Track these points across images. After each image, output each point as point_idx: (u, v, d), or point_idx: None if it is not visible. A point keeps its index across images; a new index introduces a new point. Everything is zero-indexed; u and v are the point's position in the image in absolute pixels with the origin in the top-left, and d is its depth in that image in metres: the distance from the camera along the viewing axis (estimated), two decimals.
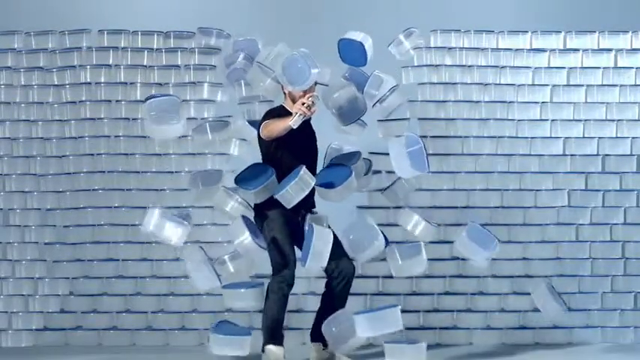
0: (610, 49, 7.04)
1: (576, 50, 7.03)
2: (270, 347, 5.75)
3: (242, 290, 5.81)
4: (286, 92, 5.89)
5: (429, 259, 6.00)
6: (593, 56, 7.03)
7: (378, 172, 6.66)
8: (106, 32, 6.98)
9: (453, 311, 6.73)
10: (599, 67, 7.01)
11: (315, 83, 5.79)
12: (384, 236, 5.86)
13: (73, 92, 6.94)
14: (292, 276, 5.76)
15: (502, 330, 6.69)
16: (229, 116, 6.73)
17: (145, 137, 6.80)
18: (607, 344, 6.65)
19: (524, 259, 6.81)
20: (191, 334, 6.63)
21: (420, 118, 6.89)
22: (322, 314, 5.92)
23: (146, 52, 6.98)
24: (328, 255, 5.54)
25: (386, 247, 5.85)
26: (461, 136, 6.90)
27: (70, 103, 6.94)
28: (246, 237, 5.65)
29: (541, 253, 6.82)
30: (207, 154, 6.81)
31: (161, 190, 6.87)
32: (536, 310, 6.68)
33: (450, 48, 6.97)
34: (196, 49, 6.95)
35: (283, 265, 5.75)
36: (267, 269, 5.91)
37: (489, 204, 6.86)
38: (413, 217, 6.10)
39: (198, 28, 6.99)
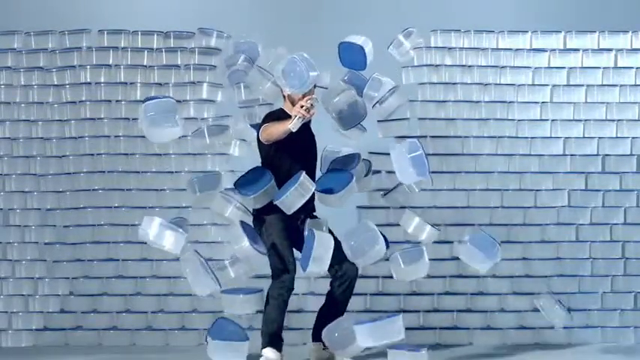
0: (610, 49, 7.04)
1: (576, 50, 7.03)
2: (268, 351, 5.75)
3: (240, 296, 5.80)
4: (286, 95, 5.89)
5: (429, 259, 5.99)
6: (593, 56, 7.03)
7: (378, 172, 6.66)
8: (106, 32, 6.98)
9: (453, 311, 6.73)
10: (599, 67, 7.01)
11: (315, 86, 5.79)
12: (385, 238, 5.86)
13: (73, 92, 6.94)
14: (292, 280, 5.76)
15: (502, 330, 6.69)
16: (229, 116, 6.74)
17: (145, 137, 6.78)
18: (607, 344, 6.64)
19: (524, 259, 6.81)
20: (191, 334, 6.64)
21: (420, 118, 6.90)
22: (324, 315, 5.94)
23: (146, 52, 6.98)
24: (329, 261, 5.55)
25: (387, 249, 5.85)
26: (461, 136, 6.90)
27: (70, 103, 6.94)
28: (244, 243, 5.65)
29: (541, 253, 6.82)
30: (207, 155, 6.82)
31: (161, 190, 6.87)
32: (536, 310, 6.68)
33: (450, 48, 6.97)
34: (196, 49, 6.95)
35: (283, 270, 5.76)
36: (268, 271, 5.91)
37: (489, 204, 6.86)
38: (417, 221, 6.08)
39: (199, 29, 6.99)
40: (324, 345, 5.90)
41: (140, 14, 7.91)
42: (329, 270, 5.68)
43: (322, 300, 6.12)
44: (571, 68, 7.01)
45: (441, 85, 6.93)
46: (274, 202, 5.65)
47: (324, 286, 6.19)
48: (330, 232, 5.89)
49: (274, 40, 6.15)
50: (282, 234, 5.78)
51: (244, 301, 5.79)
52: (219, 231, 6.70)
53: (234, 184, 5.85)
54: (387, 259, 6.04)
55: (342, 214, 6.09)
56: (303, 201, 5.63)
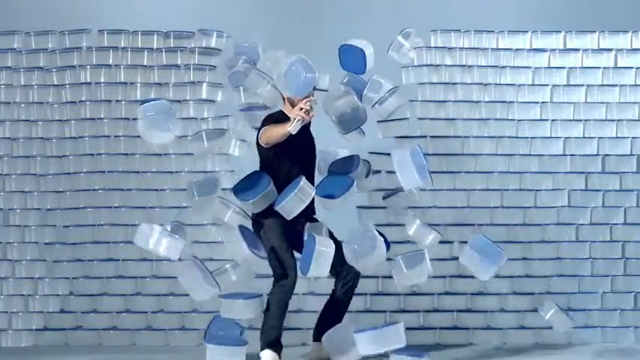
0: (610, 49, 7.04)
1: (576, 50, 7.03)
2: (267, 353, 5.75)
3: (240, 301, 5.80)
4: (285, 97, 5.88)
5: (429, 259, 5.99)
6: (593, 56, 7.03)
7: (378, 172, 6.67)
8: (106, 32, 6.98)
9: (453, 311, 6.73)
10: (599, 67, 7.01)
11: (314, 88, 5.79)
12: (385, 239, 5.86)
13: (73, 92, 6.94)
14: (293, 284, 5.75)
15: (502, 330, 6.69)
16: (228, 116, 6.74)
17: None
18: (607, 344, 6.64)
19: (524, 259, 6.81)
20: (191, 334, 6.64)
21: (419, 118, 6.89)
22: (326, 314, 5.96)
23: (146, 52, 6.98)
24: (330, 265, 5.55)
25: (387, 250, 5.85)
26: (461, 136, 6.90)
27: (70, 103, 6.94)
28: (244, 248, 5.65)
29: (541, 253, 6.82)
30: (207, 155, 6.80)
31: (161, 190, 6.87)
32: (536, 310, 6.68)
33: (450, 48, 6.97)
34: (196, 49, 6.95)
35: (283, 274, 5.75)
36: (269, 271, 5.91)
37: (489, 204, 6.86)
38: (421, 227, 6.07)
39: (199, 30, 6.99)
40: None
41: (140, 14, 7.91)
42: (331, 271, 5.68)
43: (322, 300, 6.12)
44: (571, 68, 7.01)
45: (441, 85, 6.93)
46: (274, 208, 5.65)
47: (324, 286, 6.20)
48: (331, 234, 5.89)
49: (274, 40, 6.16)
50: (281, 237, 5.78)
51: (243, 305, 5.78)
52: (219, 231, 6.70)
53: (233, 190, 5.85)
54: (390, 259, 6.04)
55: (341, 214, 6.08)
56: (303, 206, 5.63)
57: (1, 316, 6.74)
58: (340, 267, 5.76)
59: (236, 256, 5.79)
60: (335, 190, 5.78)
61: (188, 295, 6.56)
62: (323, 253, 5.49)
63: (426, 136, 6.87)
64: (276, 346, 5.77)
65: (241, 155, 6.62)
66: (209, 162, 6.82)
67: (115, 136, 6.91)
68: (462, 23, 7.11)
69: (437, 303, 6.75)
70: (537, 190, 6.88)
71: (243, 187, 5.81)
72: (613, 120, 6.96)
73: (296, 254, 5.86)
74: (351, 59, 6.08)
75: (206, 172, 6.80)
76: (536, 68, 6.99)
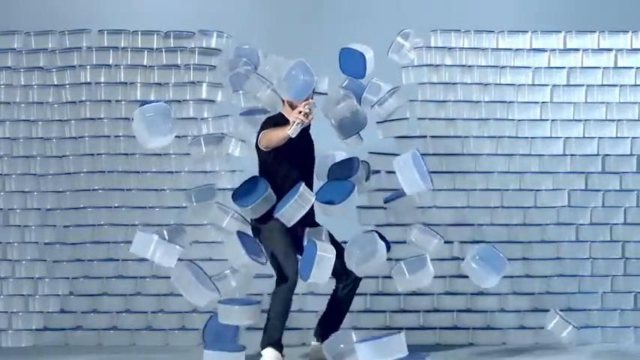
0: (610, 49, 7.03)
1: (576, 50, 7.03)
2: (269, 352, 5.75)
3: (236, 307, 5.80)
4: (285, 100, 5.88)
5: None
6: (593, 56, 7.02)
7: (377, 172, 6.67)
8: (106, 32, 6.97)
9: (453, 311, 6.73)
10: (599, 67, 7.01)
11: (313, 91, 5.78)
12: (386, 240, 5.87)
13: (73, 92, 6.93)
14: (294, 284, 5.73)
15: (502, 330, 6.69)
16: (228, 116, 6.74)
17: None
18: (607, 344, 6.64)
19: (524, 259, 6.81)
20: (191, 334, 6.63)
21: (419, 118, 6.89)
22: (327, 315, 5.98)
23: (146, 52, 6.97)
24: (330, 271, 5.55)
25: (388, 252, 5.85)
26: (461, 136, 6.90)
27: (70, 103, 6.94)
28: (242, 254, 5.65)
29: (541, 253, 6.82)
30: (205, 160, 6.78)
31: (161, 190, 6.87)
32: (536, 310, 6.70)
33: (450, 48, 6.97)
34: (196, 49, 6.95)
35: (284, 279, 5.74)
36: (270, 271, 5.92)
37: (489, 204, 6.86)
38: (425, 234, 6.07)
39: (199, 30, 6.99)
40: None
41: (140, 14, 7.91)
42: (332, 274, 5.67)
43: (322, 300, 6.12)
44: (571, 68, 7.01)
45: (441, 85, 6.93)
46: (274, 215, 5.65)
47: (324, 286, 6.18)
48: (332, 237, 5.88)
49: (274, 40, 6.18)
50: (281, 240, 5.76)
51: (241, 312, 5.78)
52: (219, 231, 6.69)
53: (232, 196, 5.85)
54: (390, 259, 6.03)
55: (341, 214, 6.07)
56: (304, 212, 5.62)
57: (1, 316, 6.74)
58: (341, 270, 5.75)
59: (234, 262, 5.78)
60: (335, 196, 5.77)
61: None
62: (324, 259, 5.49)
63: (426, 136, 6.87)
64: (277, 345, 5.77)
65: (241, 155, 6.62)
66: (209, 162, 6.80)
67: (115, 136, 6.90)
68: (462, 23, 7.10)
69: (437, 303, 6.75)
70: (537, 190, 6.88)
71: (241, 193, 5.81)
72: (613, 120, 6.96)
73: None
74: (351, 63, 6.08)
75: (206, 172, 6.80)
76: (536, 68, 6.99)
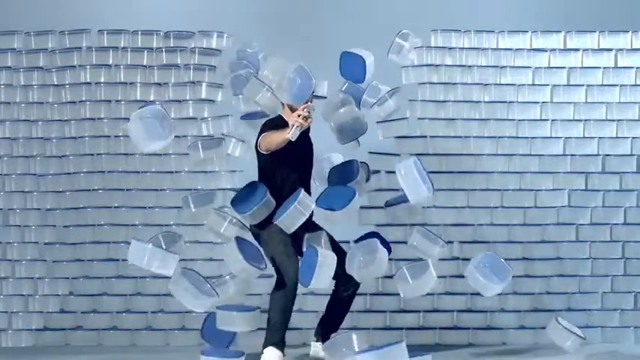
0: (610, 49, 7.03)
1: (576, 50, 7.03)
2: (270, 351, 5.75)
3: (234, 313, 5.80)
4: (284, 102, 5.88)
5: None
6: (593, 56, 7.02)
7: (377, 172, 6.66)
8: (105, 32, 6.98)
9: (453, 311, 6.73)
10: (599, 67, 7.01)
11: (312, 94, 5.77)
12: (386, 242, 5.88)
13: (73, 92, 6.94)
14: (295, 284, 5.72)
15: (502, 330, 6.69)
16: (228, 115, 6.74)
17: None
18: (607, 344, 6.64)
19: (524, 259, 6.81)
20: (191, 334, 6.63)
21: (419, 118, 6.89)
22: (328, 316, 5.99)
23: (146, 52, 6.98)
24: (331, 278, 5.55)
25: (389, 252, 5.85)
26: (461, 136, 6.90)
27: (70, 103, 6.94)
28: (240, 260, 5.64)
29: (541, 253, 6.82)
30: (203, 164, 6.76)
31: (161, 190, 6.87)
32: (536, 310, 6.70)
33: (450, 48, 6.97)
34: (196, 49, 6.95)
35: (285, 278, 5.73)
36: (270, 271, 5.92)
37: (489, 204, 6.86)
38: (425, 241, 6.07)
39: (199, 31, 6.99)
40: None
41: (140, 14, 7.91)
42: (335, 275, 5.67)
43: (322, 300, 6.12)
44: (571, 68, 7.01)
45: (441, 85, 6.93)
46: (274, 222, 5.64)
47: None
48: (333, 241, 5.88)
49: (274, 41, 6.15)
50: (280, 243, 5.74)
51: (239, 318, 5.79)
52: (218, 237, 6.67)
53: (231, 202, 5.84)
54: (390, 259, 6.03)
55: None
56: (304, 219, 5.62)
57: (1, 316, 6.74)
58: (342, 273, 5.74)
59: (233, 268, 5.78)
60: (336, 201, 5.76)
61: None
62: (325, 265, 5.49)
63: (426, 136, 6.87)
64: (279, 344, 5.77)
65: (241, 156, 6.60)
66: (208, 162, 6.79)
67: (115, 136, 6.90)
68: (462, 23, 7.10)
69: (437, 303, 6.75)
70: (537, 190, 6.88)
71: (240, 199, 5.80)
72: (613, 120, 6.96)
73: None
74: (351, 67, 6.08)
75: (206, 172, 6.80)
76: (536, 68, 6.99)
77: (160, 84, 6.94)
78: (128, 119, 6.79)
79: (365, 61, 6.05)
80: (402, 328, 6.68)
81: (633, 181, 6.91)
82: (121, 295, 6.75)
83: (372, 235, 6.12)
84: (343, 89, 6.14)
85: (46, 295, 6.77)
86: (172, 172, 6.87)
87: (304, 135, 5.80)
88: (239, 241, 5.78)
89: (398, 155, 6.74)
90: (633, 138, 6.94)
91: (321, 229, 5.88)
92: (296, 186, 5.76)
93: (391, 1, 8.16)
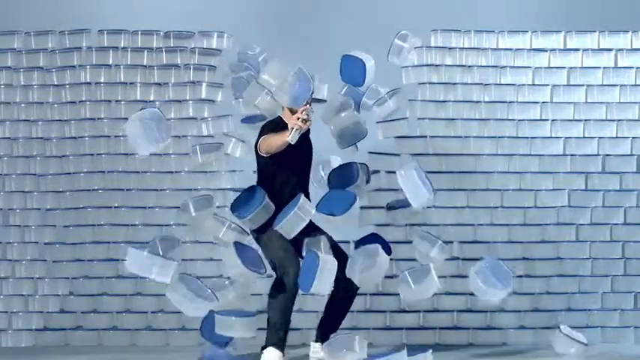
0: (610, 49, 7.03)
1: (576, 50, 7.03)
2: (270, 351, 5.75)
3: (232, 318, 5.80)
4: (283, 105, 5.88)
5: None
6: (593, 56, 7.02)
7: (377, 172, 6.66)
8: (105, 32, 6.98)
9: (453, 311, 6.73)
10: (599, 67, 7.01)
11: (312, 96, 5.76)
12: (386, 243, 5.89)
13: (73, 92, 6.94)
14: (295, 284, 5.71)
15: (502, 330, 6.69)
16: (229, 115, 6.74)
17: None
18: (607, 344, 6.64)
19: (524, 259, 6.81)
20: (191, 334, 6.63)
21: (419, 118, 6.89)
22: (327, 317, 5.97)
23: (146, 52, 6.98)
24: (332, 283, 5.55)
25: (389, 255, 5.85)
26: (461, 136, 6.90)
27: (70, 103, 6.94)
28: (239, 265, 5.64)
29: (541, 253, 6.82)
30: (201, 169, 6.76)
31: (161, 190, 6.87)
32: (536, 310, 6.70)
33: (450, 48, 6.97)
34: (197, 49, 6.94)
35: (285, 278, 5.72)
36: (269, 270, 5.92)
37: (489, 204, 6.86)
38: (427, 248, 6.07)
39: (199, 32, 6.98)
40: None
41: (140, 14, 7.90)
42: (335, 278, 5.68)
43: (322, 300, 6.11)
44: (571, 68, 7.01)
45: (441, 85, 6.92)
46: (274, 228, 5.65)
47: None
48: (332, 241, 5.87)
49: (274, 40, 6.15)
50: (280, 243, 5.72)
51: (238, 323, 5.79)
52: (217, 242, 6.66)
53: (230, 207, 5.84)
54: (392, 259, 6.04)
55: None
56: (304, 225, 5.60)
57: (1, 316, 6.74)
58: (342, 276, 5.74)
59: (231, 272, 5.78)
60: (337, 207, 5.75)
61: None
62: (326, 270, 5.49)
63: (426, 136, 6.87)
64: (279, 344, 5.77)
65: (241, 157, 6.59)
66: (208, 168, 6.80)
67: (115, 136, 6.90)
68: (462, 23, 7.10)
69: (437, 303, 6.74)
70: (537, 190, 6.88)
71: (239, 204, 5.80)
72: (613, 120, 6.96)
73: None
74: (351, 70, 6.07)
75: (206, 172, 6.80)
76: (536, 68, 6.99)
77: (160, 84, 6.94)
78: (128, 119, 6.84)
79: (365, 65, 6.04)
80: (402, 328, 6.68)
81: (633, 181, 6.91)
82: (121, 295, 6.75)
83: (373, 237, 6.13)
84: (342, 92, 6.14)
85: (46, 295, 6.78)
86: (172, 172, 6.87)
87: (304, 137, 5.79)
88: (238, 246, 5.78)
89: (398, 155, 6.75)
90: (633, 138, 6.94)
91: (321, 230, 5.87)
92: (296, 189, 5.76)
93: (391, 1, 8.15)
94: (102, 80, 6.94)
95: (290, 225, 5.58)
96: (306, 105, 5.64)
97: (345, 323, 6.05)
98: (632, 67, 7.01)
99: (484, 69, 6.97)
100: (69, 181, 6.88)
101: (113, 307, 6.74)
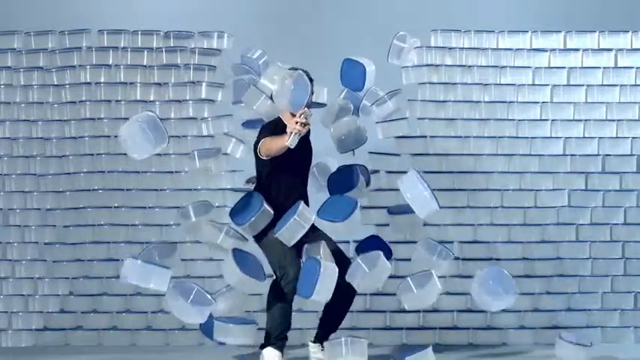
0: (610, 49, 7.03)
1: (576, 50, 7.02)
2: (269, 351, 5.75)
3: (231, 325, 5.80)
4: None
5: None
6: (593, 56, 7.02)
7: (377, 171, 6.66)
8: (105, 32, 6.97)
9: (453, 311, 6.73)
10: (599, 67, 7.00)
11: (311, 99, 5.76)
12: (388, 248, 5.91)
13: (73, 92, 6.93)
14: (295, 286, 5.71)
15: (502, 330, 6.69)
16: (229, 115, 6.74)
17: None
18: (607, 344, 6.64)
19: (524, 259, 6.81)
20: (191, 334, 6.63)
21: (419, 118, 6.89)
22: (326, 318, 5.97)
23: (146, 52, 6.97)
24: (333, 289, 5.55)
25: (389, 260, 5.86)
26: (461, 136, 6.90)
27: (70, 103, 6.94)
28: (237, 272, 5.64)
29: (541, 253, 6.81)
30: (200, 174, 6.75)
31: (161, 190, 6.87)
32: (536, 310, 6.70)
33: (450, 48, 6.96)
34: (197, 49, 6.94)
35: (285, 278, 5.72)
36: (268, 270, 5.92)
37: (489, 204, 6.86)
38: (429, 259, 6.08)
39: (199, 32, 6.98)
40: (322, 346, 5.91)
41: (140, 14, 7.91)
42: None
43: None
44: (571, 68, 7.00)
45: (441, 85, 6.92)
46: (275, 236, 5.64)
47: None
48: (332, 243, 5.87)
49: (274, 40, 6.14)
50: (281, 251, 5.71)
51: (237, 330, 5.79)
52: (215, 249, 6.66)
53: (230, 214, 5.84)
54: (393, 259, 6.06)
55: None
56: (304, 232, 5.62)
57: (1, 316, 6.74)
58: (342, 279, 5.73)
59: (230, 280, 5.79)
60: (338, 213, 5.75)
61: None
62: (327, 277, 5.50)
63: (426, 136, 6.86)
64: (278, 344, 5.77)
65: (242, 157, 6.59)
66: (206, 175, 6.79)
67: (115, 136, 6.87)
68: (462, 23, 7.10)
69: (437, 303, 6.72)
70: (537, 190, 6.88)
71: (238, 211, 5.80)
72: (613, 120, 6.96)
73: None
74: (352, 75, 6.08)
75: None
76: (536, 68, 6.99)
77: (160, 84, 6.94)
78: (128, 119, 6.83)
79: (365, 69, 6.04)
80: (402, 328, 6.69)
81: (633, 181, 6.91)
82: (121, 295, 6.75)
83: (373, 239, 6.14)
84: (342, 97, 6.14)
85: (46, 295, 6.78)
86: (172, 172, 6.87)
87: (305, 139, 5.79)
88: (236, 253, 5.78)
89: (398, 155, 6.75)
90: (633, 138, 6.94)
91: (322, 233, 5.85)
92: (295, 191, 5.78)
93: (391, 1, 8.16)
94: (102, 80, 6.93)
95: (290, 232, 5.59)
96: (304, 108, 5.63)
97: (345, 323, 6.05)
98: (632, 67, 7.01)
99: (484, 69, 6.97)
100: (69, 181, 6.88)
101: (113, 307, 6.74)
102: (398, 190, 5.95)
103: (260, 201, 5.71)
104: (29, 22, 7.48)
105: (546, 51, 7.01)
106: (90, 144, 6.89)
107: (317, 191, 6.26)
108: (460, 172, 6.87)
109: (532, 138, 6.92)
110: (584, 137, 6.94)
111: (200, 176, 6.72)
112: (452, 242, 6.72)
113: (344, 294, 5.83)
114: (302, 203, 5.64)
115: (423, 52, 6.91)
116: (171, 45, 6.97)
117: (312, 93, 5.75)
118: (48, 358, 6.38)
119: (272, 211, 5.71)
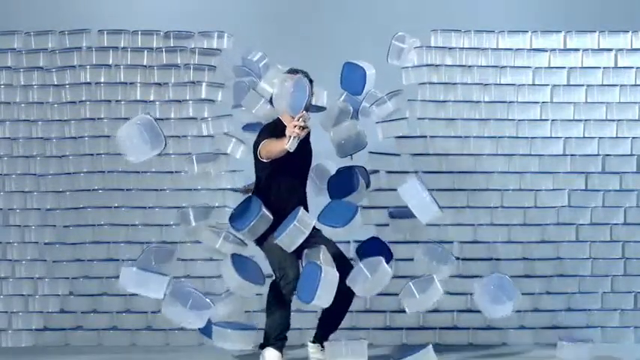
0: (610, 49, 7.03)
1: (576, 50, 7.02)
2: (269, 351, 5.75)
3: (229, 331, 5.80)
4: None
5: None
6: (593, 56, 7.02)
7: (376, 171, 6.66)
8: (105, 32, 6.97)
9: (453, 311, 6.73)
10: (599, 67, 7.00)
11: (310, 102, 5.75)
12: (388, 250, 5.93)
13: (73, 92, 6.93)
14: (295, 283, 5.71)
15: (502, 330, 6.69)
16: (229, 115, 6.74)
17: None
18: (607, 344, 6.64)
19: (524, 259, 6.81)
20: (191, 334, 6.62)
21: (419, 118, 6.89)
22: (326, 318, 5.97)
23: (146, 52, 6.97)
24: (334, 294, 5.55)
25: (389, 262, 5.85)
26: (461, 136, 6.90)
27: (70, 103, 6.94)
28: (236, 277, 5.65)
29: (541, 253, 6.81)
30: (198, 178, 6.75)
31: (161, 190, 6.87)
32: (536, 310, 6.70)
33: (450, 48, 6.96)
34: (197, 49, 6.94)
35: (284, 278, 5.72)
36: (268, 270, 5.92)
37: (489, 204, 6.86)
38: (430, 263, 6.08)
39: (199, 32, 6.98)
40: (322, 347, 5.91)
41: (140, 14, 7.91)
42: None
43: None
44: (571, 68, 7.00)
45: (441, 85, 6.92)
46: (275, 242, 5.64)
47: None
48: (336, 249, 5.87)
49: (274, 40, 6.14)
50: (281, 252, 5.71)
51: (236, 335, 5.80)
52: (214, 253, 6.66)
53: (229, 220, 5.84)
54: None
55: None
56: (304, 237, 5.61)
57: (1, 316, 6.74)
58: (341, 282, 5.73)
59: (230, 284, 5.79)
60: (338, 218, 5.75)
61: None
62: (327, 282, 5.50)
63: (426, 136, 6.86)
64: (278, 344, 5.77)
65: (242, 158, 6.59)
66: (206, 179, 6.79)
67: (115, 136, 6.89)
68: (462, 23, 7.10)
69: (437, 303, 6.73)
70: (537, 190, 6.88)
71: (237, 215, 5.80)
72: (613, 120, 6.96)
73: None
74: (352, 78, 6.08)
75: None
76: (536, 68, 6.99)
77: (160, 84, 6.94)
78: (128, 119, 6.83)
79: (366, 73, 6.04)
80: (401, 328, 6.69)
81: (633, 181, 6.91)
82: (121, 295, 6.74)
83: (373, 241, 6.14)
84: (341, 100, 6.14)
85: (46, 295, 6.78)
86: (172, 172, 6.87)
87: (305, 142, 5.79)
88: (235, 258, 5.78)
89: (398, 155, 6.74)
90: (633, 138, 6.94)
91: (323, 236, 5.85)
92: (294, 193, 5.79)
93: (391, 1, 8.16)
94: (102, 80, 6.93)
95: (290, 238, 5.59)
96: (303, 112, 5.63)
97: (344, 323, 6.06)
98: (632, 67, 7.01)
99: (484, 69, 6.97)
100: (69, 181, 6.88)
101: (113, 307, 6.74)
102: (397, 189, 5.96)
103: (258, 206, 5.71)
104: (29, 22, 7.48)
105: (546, 51, 7.01)
106: (90, 144, 6.89)
107: (316, 195, 6.26)
108: (460, 172, 6.87)
109: (532, 138, 6.91)
110: (584, 137, 6.94)
111: (200, 177, 6.71)
112: (452, 242, 6.72)
113: (344, 296, 5.83)
114: (302, 209, 5.64)
115: (423, 52, 6.91)
116: (171, 45, 6.97)
117: (312, 94, 5.75)
118: (48, 358, 6.38)
119: (271, 216, 5.72)
